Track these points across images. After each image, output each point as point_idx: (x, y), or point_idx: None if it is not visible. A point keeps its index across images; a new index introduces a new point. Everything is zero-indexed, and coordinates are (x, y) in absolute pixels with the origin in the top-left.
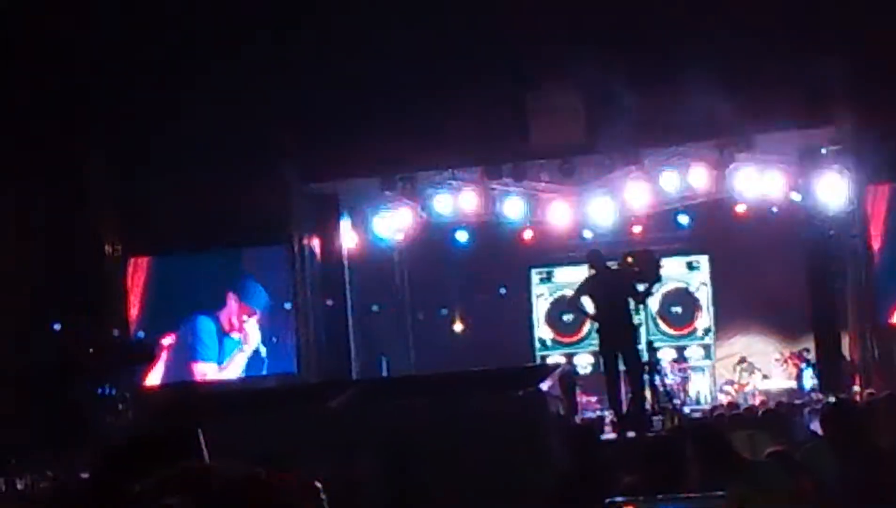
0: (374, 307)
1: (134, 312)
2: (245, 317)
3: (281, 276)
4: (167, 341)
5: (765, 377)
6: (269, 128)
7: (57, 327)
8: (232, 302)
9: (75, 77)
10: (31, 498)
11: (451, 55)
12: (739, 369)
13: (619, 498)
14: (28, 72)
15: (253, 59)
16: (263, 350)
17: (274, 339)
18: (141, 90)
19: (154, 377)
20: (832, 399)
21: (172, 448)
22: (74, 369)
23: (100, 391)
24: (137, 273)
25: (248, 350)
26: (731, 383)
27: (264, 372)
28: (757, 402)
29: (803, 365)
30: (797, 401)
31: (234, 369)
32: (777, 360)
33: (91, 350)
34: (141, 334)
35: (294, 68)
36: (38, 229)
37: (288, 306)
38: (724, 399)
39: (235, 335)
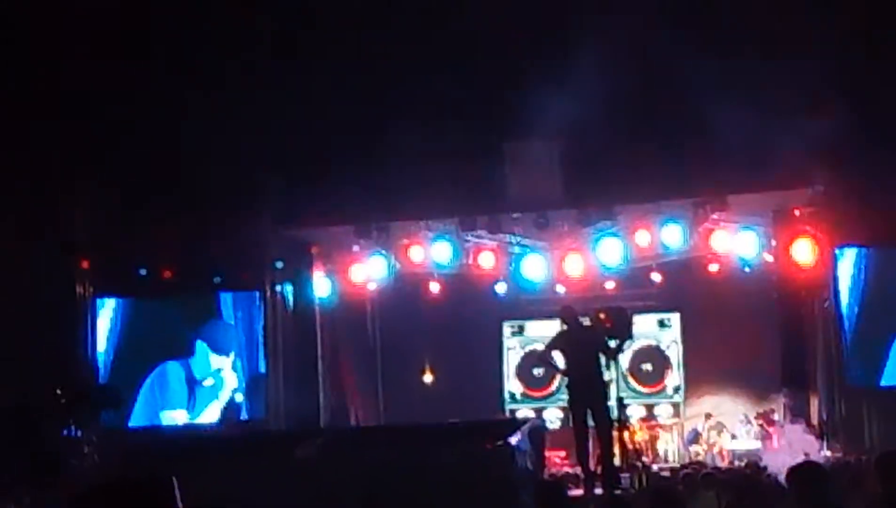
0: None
1: (102, 354)
2: (220, 363)
3: (254, 321)
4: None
5: (733, 436)
6: (246, 174)
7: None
8: (201, 350)
9: (56, 115)
10: None
11: (429, 106)
12: (707, 427)
13: None
14: (11, 109)
15: (229, 105)
16: (240, 397)
17: (246, 385)
18: (120, 135)
19: (124, 422)
20: (798, 460)
21: (145, 495)
22: (41, 410)
23: (65, 432)
24: (107, 315)
25: (223, 398)
26: (698, 434)
27: (242, 417)
28: (724, 462)
29: (771, 427)
30: (764, 462)
31: (207, 417)
32: (743, 420)
33: (58, 391)
34: (106, 377)
35: (271, 115)
36: (11, 267)
37: (261, 351)
38: (691, 457)
39: (208, 384)
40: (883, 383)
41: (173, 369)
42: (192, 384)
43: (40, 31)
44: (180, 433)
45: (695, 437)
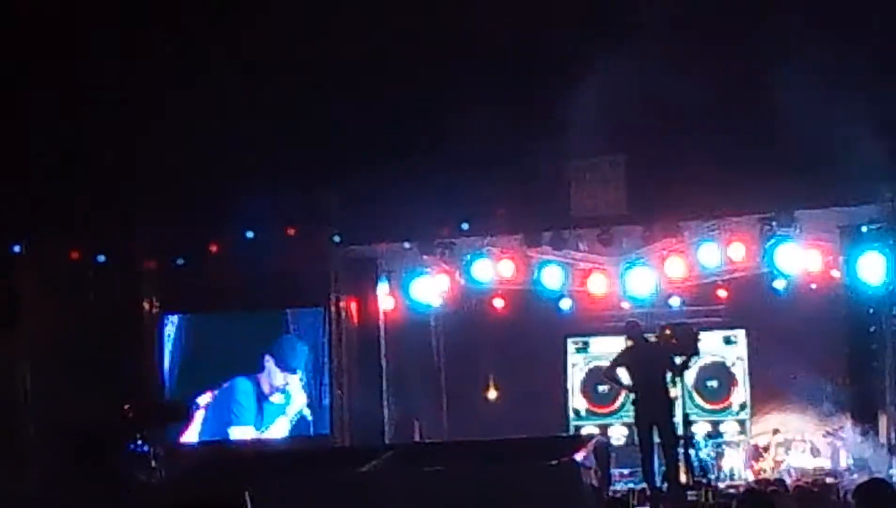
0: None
1: (168, 369)
2: (286, 380)
3: (319, 338)
4: (204, 399)
5: (800, 453)
6: (310, 190)
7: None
8: (270, 365)
9: (120, 141)
10: None
11: (494, 123)
12: (774, 444)
13: None
14: (75, 136)
15: (294, 121)
16: (308, 413)
17: (315, 400)
18: (185, 153)
19: (190, 436)
20: (866, 478)
21: None
22: (110, 426)
23: (132, 447)
24: (171, 331)
25: (291, 413)
26: (765, 451)
27: (310, 433)
28: (792, 479)
29: (839, 444)
30: (831, 479)
31: (274, 433)
32: (810, 437)
33: (126, 407)
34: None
35: (336, 132)
36: (76, 284)
37: (325, 367)
38: (757, 474)
39: (276, 400)
40: None
41: (243, 385)
42: (261, 400)
43: (42, 32)
44: (247, 449)
45: (761, 454)
